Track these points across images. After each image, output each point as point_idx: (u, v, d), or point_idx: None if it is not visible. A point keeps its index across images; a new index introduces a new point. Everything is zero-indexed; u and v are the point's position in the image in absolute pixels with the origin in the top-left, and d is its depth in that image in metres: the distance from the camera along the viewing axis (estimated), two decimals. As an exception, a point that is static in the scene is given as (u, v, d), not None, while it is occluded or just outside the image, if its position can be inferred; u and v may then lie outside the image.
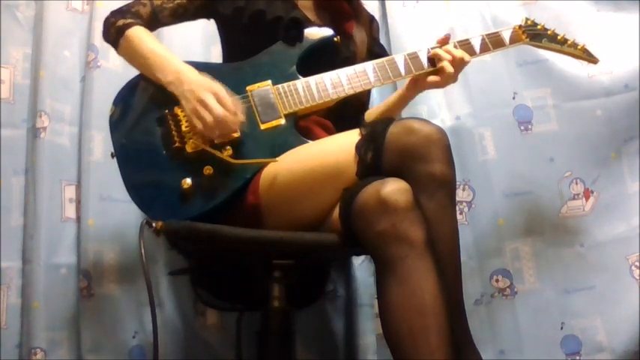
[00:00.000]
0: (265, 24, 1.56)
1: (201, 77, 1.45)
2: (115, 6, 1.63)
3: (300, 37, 1.56)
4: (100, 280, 1.86)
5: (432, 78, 1.58)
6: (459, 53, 1.57)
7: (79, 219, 1.91)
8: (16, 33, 2.03)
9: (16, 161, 1.94)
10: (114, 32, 1.57)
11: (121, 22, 1.56)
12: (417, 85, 1.65)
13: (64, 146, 1.96)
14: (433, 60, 1.58)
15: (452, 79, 1.58)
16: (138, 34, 1.55)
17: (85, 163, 1.92)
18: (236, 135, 1.44)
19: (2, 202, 1.89)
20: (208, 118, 1.39)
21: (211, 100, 1.40)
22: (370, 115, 1.75)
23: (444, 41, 1.60)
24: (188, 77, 1.45)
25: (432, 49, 1.59)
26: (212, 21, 1.70)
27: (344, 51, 1.62)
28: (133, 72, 1.58)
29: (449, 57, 1.55)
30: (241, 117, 1.43)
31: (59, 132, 1.96)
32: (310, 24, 1.60)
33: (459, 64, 1.57)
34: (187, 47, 2.04)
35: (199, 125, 1.40)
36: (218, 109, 1.39)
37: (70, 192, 1.94)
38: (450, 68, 1.55)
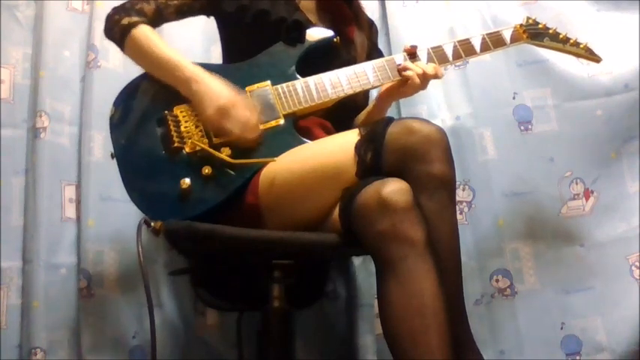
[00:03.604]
0: (268, 24, 1.56)
1: (212, 88, 1.44)
2: (115, 5, 1.62)
3: (301, 39, 1.56)
4: (100, 280, 1.85)
5: (401, 88, 1.59)
6: (430, 70, 1.56)
7: (79, 219, 1.91)
8: (16, 33, 2.04)
9: (16, 161, 1.94)
10: (118, 31, 1.54)
11: (125, 20, 1.54)
12: (389, 96, 1.65)
13: (64, 146, 1.96)
14: (433, 59, 1.57)
15: (420, 88, 1.58)
16: (144, 34, 1.53)
17: (85, 163, 1.92)
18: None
19: (2, 202, 1.89)
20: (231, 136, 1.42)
21: (225, 122, 1.41)
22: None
23: (411, 52, 1.60)
24: (198, 89, 1.44)
25: (432, 49, 1.59)
26: (212, 20, 1.70)
27: (344, 54, 1.62)
28: (133, 72, 1.59)
29: (418, 70, 1.54)
30: (255, 121, 1.45)
31: (59, 132, 1.96)
32: (312, 26, 1.60)
33: (429, 79, 1.57)
34: (187, 47, 2.03)
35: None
36: (232, 131, 1.41)
37: (70, 192, 1.94)
38: (417, 80, 1.54)
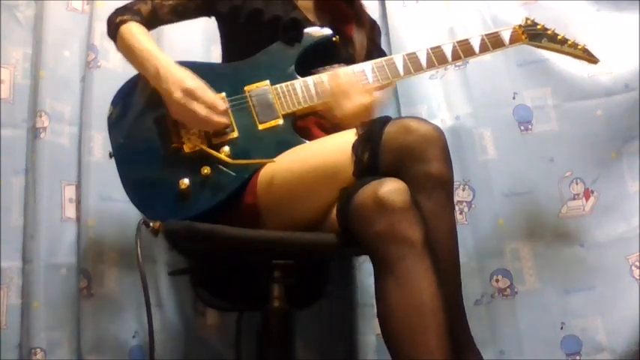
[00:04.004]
0: (263, 23, 1.56)
1: (177, 74, 1.44)
2: (115, 5, 1.64)
3: (299, 37, 1.56)
4: (100, 280, 1.86)
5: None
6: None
7: (79, 219, 1.91)
8: (16, 33, 2.04)
9: (16, 161, 1.94)
10: (113, 29, 1.59)
11: (118, 19, 1.57)
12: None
13: (64, 146, 1.96)
14: (432, 59, 1.57)
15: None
16: (129, 29, 1.56)
17: (85, 163, 1.92)
18: (234, 135, 1.44)
19: (2, 202, 1.89)
20: (189, 120, 1.43)
21: (188, 102, 1.41)
22: None
23: None
24: (164, 74, 1.44)
25: (431, 49, 1.58)
26: (213, 20, 1.71)
27: (343, 53, 1.62)
28: (133, 72, 1.59)
29: None
30: (223, 107, 1.44)
31: (59, 132, 1.96)
32: (310, 25, 1.60)
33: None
34: (187, 47, 2.04)
35: (186, 124, 1.44)
36: (197, 111, 1.40)
37: (70, 192, 1.94)
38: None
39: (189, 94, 1.41)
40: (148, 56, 1.49)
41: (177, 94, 1.41)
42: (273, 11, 1.57)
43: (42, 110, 1.93)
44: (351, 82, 1.48)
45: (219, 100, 1.45)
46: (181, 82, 1.42)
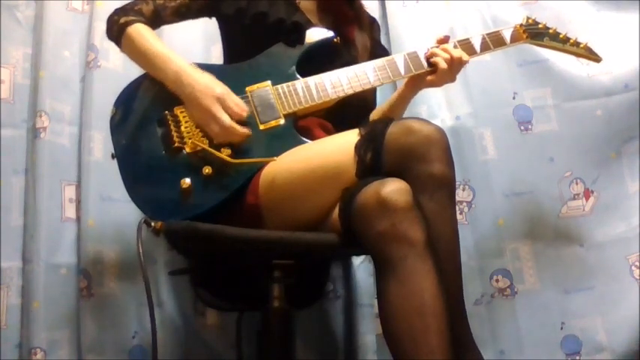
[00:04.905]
0: (267, 26, 1.56)
1: (203, 80, 1.45)
2: (115, 5, 1.63)
3: (301, 40, 1.56)
4: (100, 280, 1.86)
5: (429, 77, 1.58)
6: (457, 53, 1.56)
7: (79, 219, 1.91)
8: (16, 33, 2.03)
9: (16, 161, 1.94)
10: (116, 30, 1.57)
11: (123, 19, 1.56)
12: (415, 83, 1.64)
13: (64, 146, 1.96)
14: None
15: (449, 77, 1.58)
16: (138, 31, 1.55)
17: (85, 163, 1.92)
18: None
19: (2, 202, 1.89)
20: (215, 128, 1.42)
21: (218, 110, 1.41)
22: (373, 116, 1.75)
23: (443, 41, 1.60)
24: (188, 80, 1.45)
25: (431, 48, 1.58)
26: (213, 21, 1.70)
27: (345, 54, 1.62)
28: (133, 72, 1.59)
29: (445, 55, 1.55)
30: (245, 116, 1.44)
31: (59, 132, 1.95)
32: (312, 27, 1.60)
33: (456, 64, 1.56)
34: (187, 47, 2.03)
35: (209, 132, 1.43)
36: (224, 120, 1.41)
37: (70, 192, 1.94)
38: (443, 64, 1.54)
39: (217, 101, 1.42)
40: (165, 60, 1.48)
41: (206, 102, 1.42)
42: (277, 14, 1.57)
43: (42, 110, 1.93)
44: None
45: (244, 110, 1.45)
46: (208, 89, 1.43)
